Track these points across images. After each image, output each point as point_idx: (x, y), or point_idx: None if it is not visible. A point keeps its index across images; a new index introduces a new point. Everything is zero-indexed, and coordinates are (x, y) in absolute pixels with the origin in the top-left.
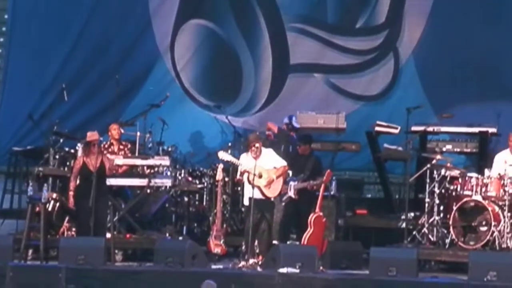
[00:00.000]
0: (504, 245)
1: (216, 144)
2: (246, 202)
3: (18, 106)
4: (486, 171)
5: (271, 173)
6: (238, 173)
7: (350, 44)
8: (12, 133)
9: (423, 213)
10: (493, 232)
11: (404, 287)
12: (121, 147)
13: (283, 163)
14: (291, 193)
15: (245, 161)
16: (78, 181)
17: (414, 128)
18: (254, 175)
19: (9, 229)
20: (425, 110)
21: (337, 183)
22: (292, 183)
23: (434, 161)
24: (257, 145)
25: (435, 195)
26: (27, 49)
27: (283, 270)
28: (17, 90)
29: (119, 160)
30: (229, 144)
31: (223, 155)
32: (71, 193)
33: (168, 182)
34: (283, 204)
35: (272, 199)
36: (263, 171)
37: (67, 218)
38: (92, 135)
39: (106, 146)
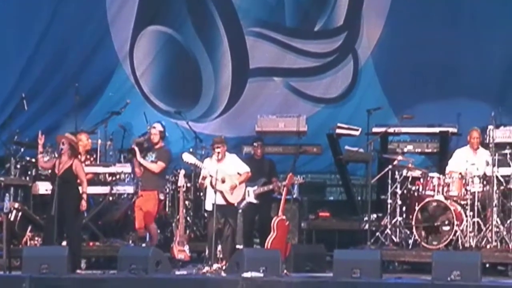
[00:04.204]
0: (467, 244)
1: (178, 150)
2: (208, 207)
3: None
4: (447, 169)
5: (234, 178)
6: (201, 177)
7: (309, 47)
8: None
9: (386, 214)
10: (455, 231)
11: None
12: (88, 156)
13: (246, 169)
14: (250, 199)
15: (209, 165)
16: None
17: (374, 130)
18: (217, 179)
19: None
20: (385, 111)
21: (299, 186)
22: (250, 188)
23: (395, 162)
24: (220, 148)
25: (397, 196)
26: None
27: (247, 274)
28: None
29: None
30: (190, 149)
31: (188, 158)
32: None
33: (130, 189)
34: (241, 210)
35: (235, 204)
36: (226, 176)
37: (29, 228)
38: (57, 136)
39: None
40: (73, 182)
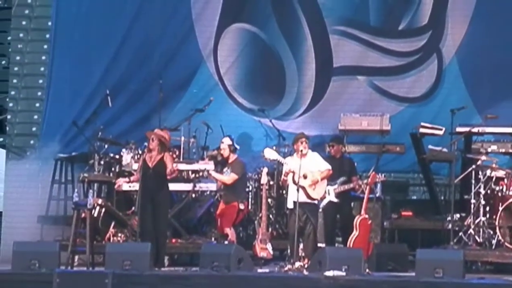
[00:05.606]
0: None
1: (261, 147)
2: (290, 204)
3: (62, 113)
4: None
5: (315, 174)
6: (283, 173)
7: (393, 46)
8: (57, 139)
9: (469, 214)
10: None
11: None
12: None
13: (328, 166)
14: (330, 197)
15: (290, 162)
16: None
17: (458, 129)
18: (299, 176)
19: (55, 235)
20: (469, 110)
21: (382, 185)
22: (330, 187)
23: (479, 162)
24: (304, 144)
25: (481, 196)
26: (70, 55)
27: (329, 273)
28: (61, 97)
29: None
30: (273, 147)
31: (269, 153)
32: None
33: (213, 187)
34: (321, 209)
35: (318, 200)
36: (308, 172)
37: (112, 224)
38: (147, 133)
39: None
40: (165, 177)
